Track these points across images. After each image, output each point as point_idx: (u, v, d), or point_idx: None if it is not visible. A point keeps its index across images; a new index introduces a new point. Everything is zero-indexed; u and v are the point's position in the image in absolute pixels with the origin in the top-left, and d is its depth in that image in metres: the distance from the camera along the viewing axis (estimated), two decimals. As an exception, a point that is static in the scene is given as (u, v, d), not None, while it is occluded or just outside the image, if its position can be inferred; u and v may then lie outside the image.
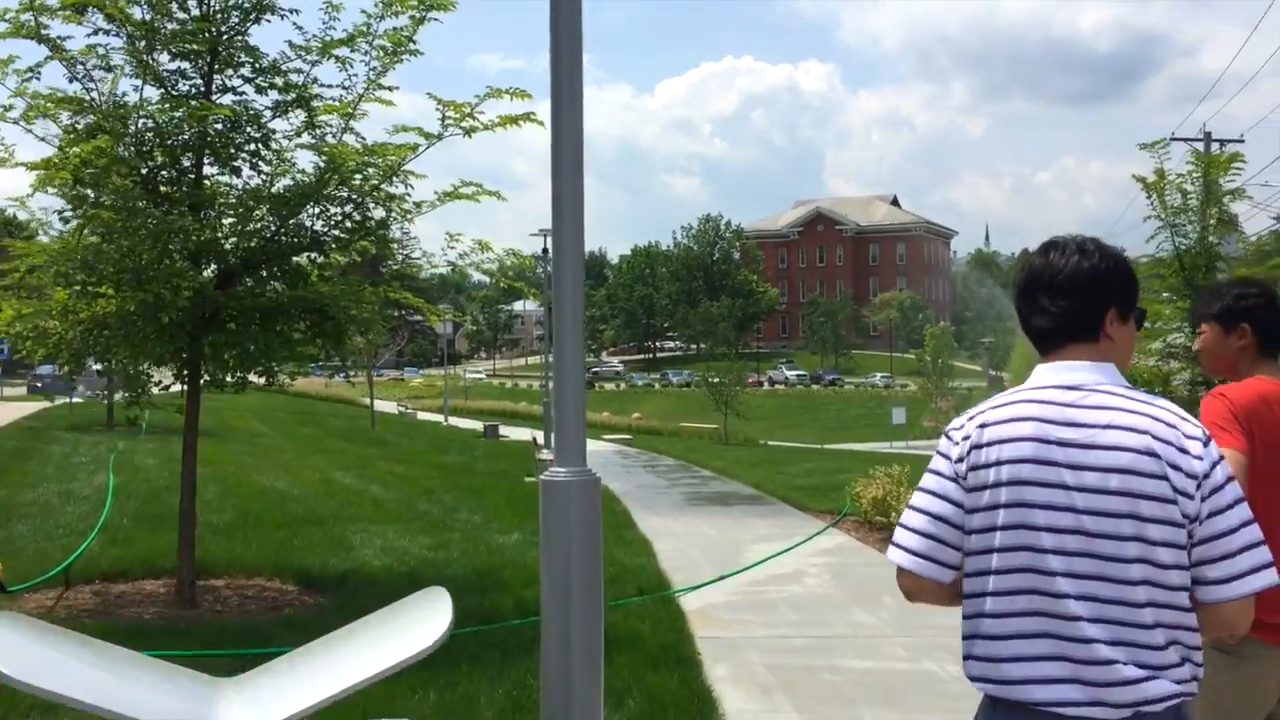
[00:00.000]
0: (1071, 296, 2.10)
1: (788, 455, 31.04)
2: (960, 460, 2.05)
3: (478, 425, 42.59)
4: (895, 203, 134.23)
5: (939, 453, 2.10)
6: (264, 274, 7.67)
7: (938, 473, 2.09)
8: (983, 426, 2.05)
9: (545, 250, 27.53)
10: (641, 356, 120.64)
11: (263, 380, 7.76)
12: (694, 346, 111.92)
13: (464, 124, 7.38)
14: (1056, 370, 2.08)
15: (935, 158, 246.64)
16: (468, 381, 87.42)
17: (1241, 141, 32.71)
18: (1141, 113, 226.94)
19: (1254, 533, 1.97)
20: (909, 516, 2.11)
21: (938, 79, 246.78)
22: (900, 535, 2.11)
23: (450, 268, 8.56)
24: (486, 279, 9.29)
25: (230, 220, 7.57)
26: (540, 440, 23.19)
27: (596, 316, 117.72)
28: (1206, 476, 1.94)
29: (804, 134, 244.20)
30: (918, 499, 2.11)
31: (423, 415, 55.34)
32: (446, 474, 18.88)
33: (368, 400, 40.63)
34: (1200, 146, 39.55)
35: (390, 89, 7.58)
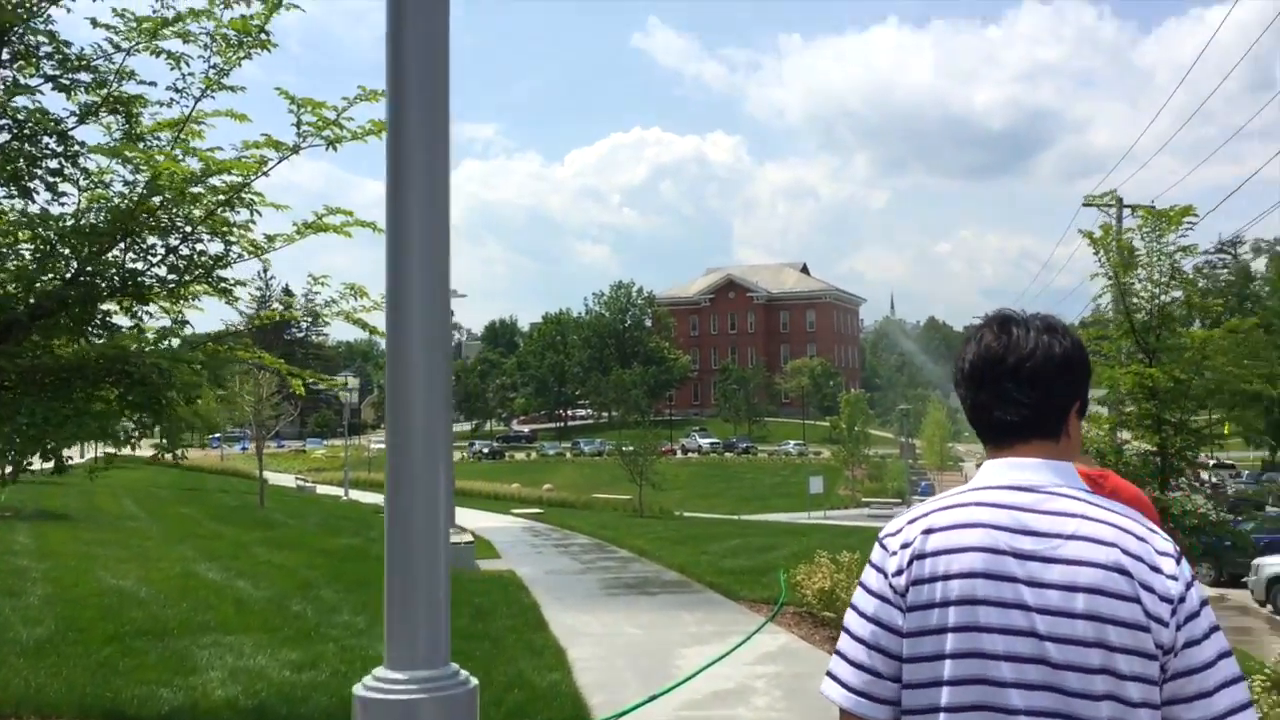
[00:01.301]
0: (1043, 387, 1.79)
1: (707, 529, 29.46)
2: (899, 573, 1.73)
3: (380, 499, 40.41)
4: (805, 270, 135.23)
5: (872, 564, 1.79)
6: (60, 325, 5.88)
7: (872, 591, 1.77)
8: (927, 533, 1.74)
9: (449, 313, 25.71)
10: (553, 425, 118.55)
11: (51, 465, 5.89)
12: (606, 414, 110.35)
13: (327, 133, 5.77)
14: (1009, 468, 1.77)
15: (839, 228, 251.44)
16: (373, 452, 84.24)
17: (1153, 206, 32.47)
18: (1034, 186, 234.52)
19: (1232, 667, 1.68)
20: (845, 644, 1.79)
21: (840, 152, 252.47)
22: (836, 666, 1.79)
23: (312, 319, 6.87)
24: (364, 332, 7.66)
25: (16, 262, 5.81)
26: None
27: (507, 385, 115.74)
28: (1182, 601, 1.66)
29: (712, 204, 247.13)
30: (851, 621, 1.79)
31: (323, 489, 52.67)
32: (333, 561, 16.83)
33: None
34: (1113, 211, 39.82)
35: (235, 90, 5.95)
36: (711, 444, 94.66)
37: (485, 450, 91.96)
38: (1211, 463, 50.98)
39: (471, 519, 29.64)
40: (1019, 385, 1.79)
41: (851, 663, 1.77)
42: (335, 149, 5.81)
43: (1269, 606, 23.86)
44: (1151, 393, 13.70)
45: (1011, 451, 1.80)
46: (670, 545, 20.62)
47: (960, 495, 1.79)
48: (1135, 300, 14.25)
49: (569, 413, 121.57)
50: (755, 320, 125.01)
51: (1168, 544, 1.71)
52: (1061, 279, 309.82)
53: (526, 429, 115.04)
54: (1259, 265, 70.19)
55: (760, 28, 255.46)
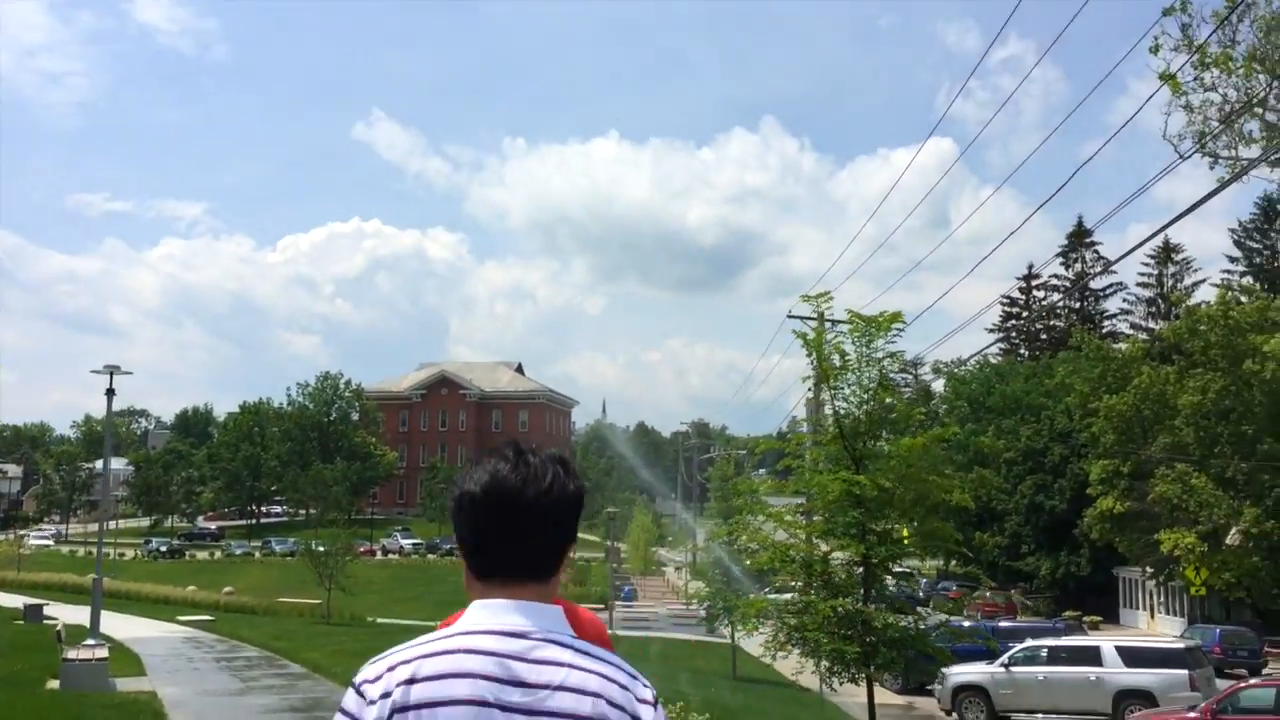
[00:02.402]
0: (553, 525, 1.76)
1: (399, 639, 27.30)
2: None
3: (26, 602, 35.57)
4: (520, 370, 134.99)
5: (345, 713, 1.66)
6: None
7: None
8: (409, 683, 1.62)
9: (110, 390, 22.55)
10: (244, 522, 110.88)
11: None
12: (303, 512, 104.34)
13: None
14: (501, 611, 1.71)
15: (556, 331, 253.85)
16: (29, 548, 75.35)
17: (851, 323, 33.84)
18: (740, 302, 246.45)
19: None
20: None
21: (560, 256, 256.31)
22: None
23: None
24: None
25: None
26: (62, 632, 17.57)
27: (194, 478, 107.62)
28: None
29: (430, 300, 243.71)
30: None
31: (-43, 590, 46.04)
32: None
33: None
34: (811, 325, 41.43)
35: None
36: (414, 545, 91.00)
37: (163, 548, 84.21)
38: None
39: (125, 627, 26.15)
40: (532, 520, 1.74)
41: None
42: None
43: (955, 715, 24.42)
44: (858, 500, 13.37)
45: (504, 591, 1.74)
46: (349, 659, 18.46)
47: (446, 640, 1.69)
48: (844, 405, 14.04)
49: (263, 509, 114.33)
50: (467, 418, 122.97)
51: (648, 690, 1.71)
52: (762, 391, 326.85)
53: (214, 526, 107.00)
54: (937, 386, 75.75)
55: (485, 128, 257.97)
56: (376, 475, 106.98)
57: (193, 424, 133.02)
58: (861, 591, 13.41)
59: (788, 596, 20.54)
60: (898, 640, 13.09)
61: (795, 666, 16.27)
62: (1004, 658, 23.16)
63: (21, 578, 52.88)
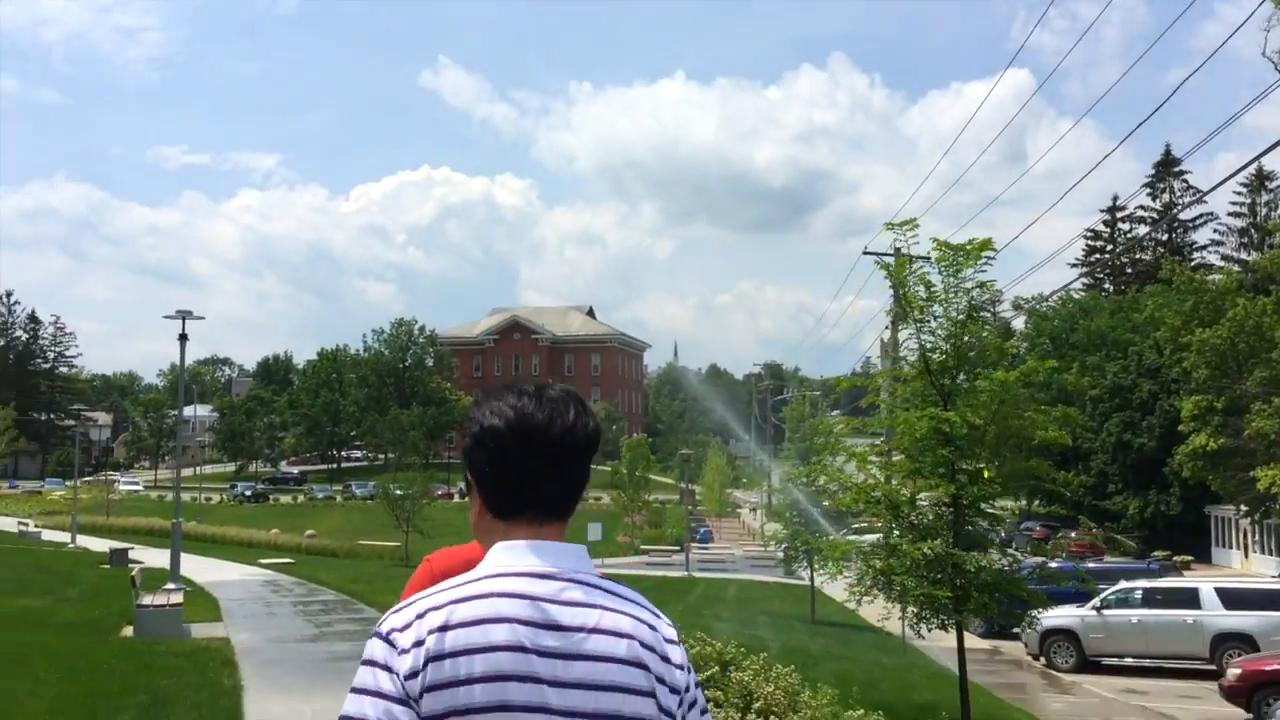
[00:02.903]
0: (580, 463, 1.73)
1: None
2: (413, 676, 1.52)
3: (112, 545, 36.32)
4: (591, 314, 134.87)
5: (376, 664, 1.55)
6: None
7: (379, 693, 1.53)
8: (443, 630, 1.55)
9: (183, 336, 22.48)
10: (325, 466, 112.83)
11: None
12: (382, 456, 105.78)
13: None
14: (529, 552, 1.64)
15: (626, 275, 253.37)
16: (120, 494, 77.40)
17: (928, 259, 32.76)
18: (810, 242, 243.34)
19: None
20: None
21: (628, 200, 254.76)
22: None
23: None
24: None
25: None
26: (137, 578, 17.48)
27: (276, 424, 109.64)
28: (688, 690, 1.66)
29: (500, 246, 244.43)
30: None
31: (50, 535, 47.21)
32: (5, 631, 13.69)
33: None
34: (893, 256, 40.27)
35: None
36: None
37: (247, 493, 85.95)
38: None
39: (208, 570, 26.44)
40: (559, 456, 1.69)
41: None
42: None
43: (1042, 660, 23.69)
44: (946, 438, 12.63)
45: (528, 532, 1.67)
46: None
47: (477, 584, 1.61)
48: (929, 339, 13.23)
49: (343, 454, 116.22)
50: (539, 362, 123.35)
51: (673, 630, 1.69)
52: (834, 333, 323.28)
53: (296, 470, 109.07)
54: (1018, 324, 73.86)
55: (550, 73, 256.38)
56: (452, 420, 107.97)
57: (274, 371, 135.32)
58: (951, 533, 12.69)
59: (869, 539, 19.93)
60: (991, 584, 12.38)
61: (881, 612, 15.65)
62: (1095, 600, 22.37)
63: (110, 522, 54.22)
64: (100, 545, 39.86)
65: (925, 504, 13.18)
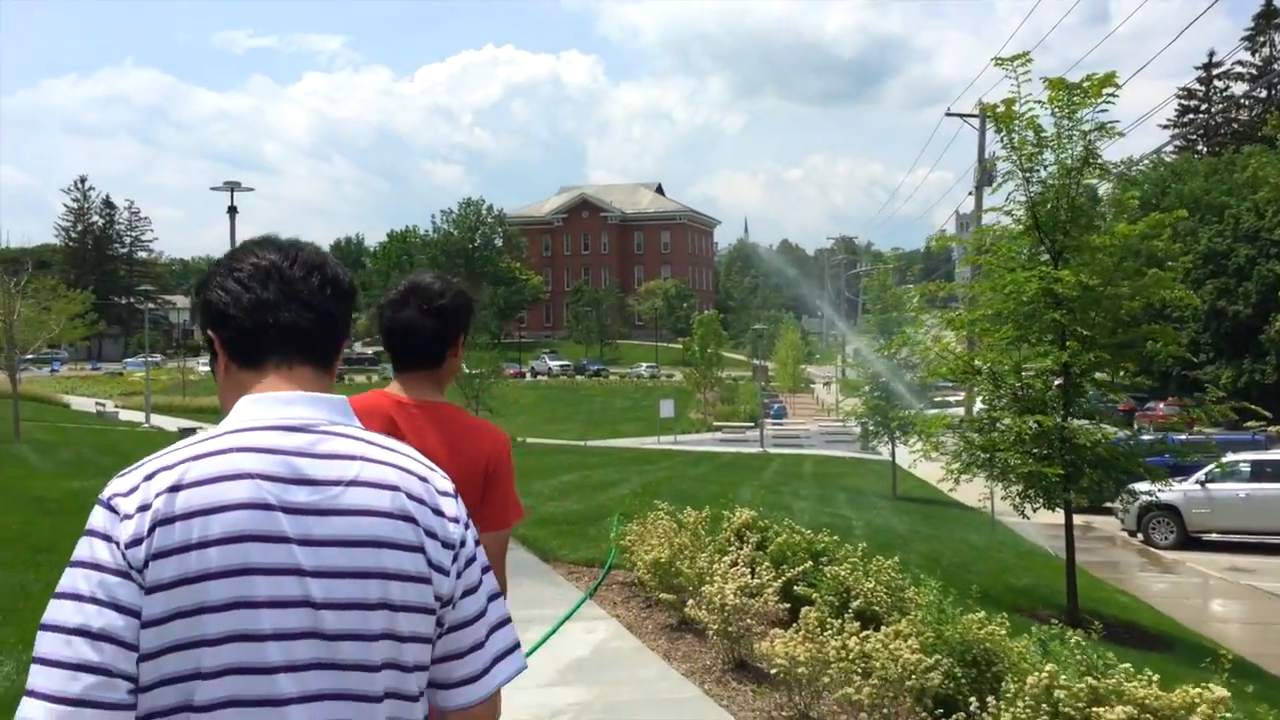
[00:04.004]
0: (336, 300, 1.62)
1: (543, 460, 26.66)
2: (137, 543, 1.36)
3: (188, 424, 36.66)
4: (660, 191, 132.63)
5: (96, 533, 1.38)
6: None
7: (98, 565, 1.36)
8: (174, 490, 1.38)
9: (232, 208, 21.71)
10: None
11: None
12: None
13: None
14: (278, 403, 1.50)
15: (694, 151, 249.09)
16: (199, 375, 78.63)
17: (1000, 131, 30.72)
18: (883, 114, 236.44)
19: (502, 608, 1.59)
20: (52, 643, 1.33)
21: (696, 74, 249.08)
22: (41, 677, 1.32)
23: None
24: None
25: None
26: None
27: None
28: (462, 545, 1.54)
29: (566, 125, 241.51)
30: (61, 612, 1.34)
31: (128, 414, 47.88)
32: (46, 516, 13.06)
33: (64, 398, 33.58)
34: (975, 123, 38.02)
35: None
36: (562, 366, 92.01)
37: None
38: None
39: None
40: (308, 289, 1.57)
41: (67, 665, 1.32)
42: None
43: (1140, 536, 22.52)
44: (1058, 301, 11.31)
45: (283, 381, 1.53)
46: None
47: (215, 440, 1.45)
48: (1038, 190, 11.79)
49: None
50: (609, 241, 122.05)
51: (447, 482, 1.58)
52: (908, 206, 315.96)
53: (370, 351, 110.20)
54: (1103, 190, 70.62)
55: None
56: (523, 299, 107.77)
57: (346, 254, 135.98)
58: (1061, 405, 11.46)
59: (955, 413, 18.71)
60: (1106, 459, 11.18)
61: (979, 491, 14.54)
62: (1199, 474, 21.15)
63: (186, 402, 54.92)
64: (173, 424, 40.24)
65: (1031, 374, 11.92)
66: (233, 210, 21.35)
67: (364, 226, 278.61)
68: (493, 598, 1.57)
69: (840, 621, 5.58)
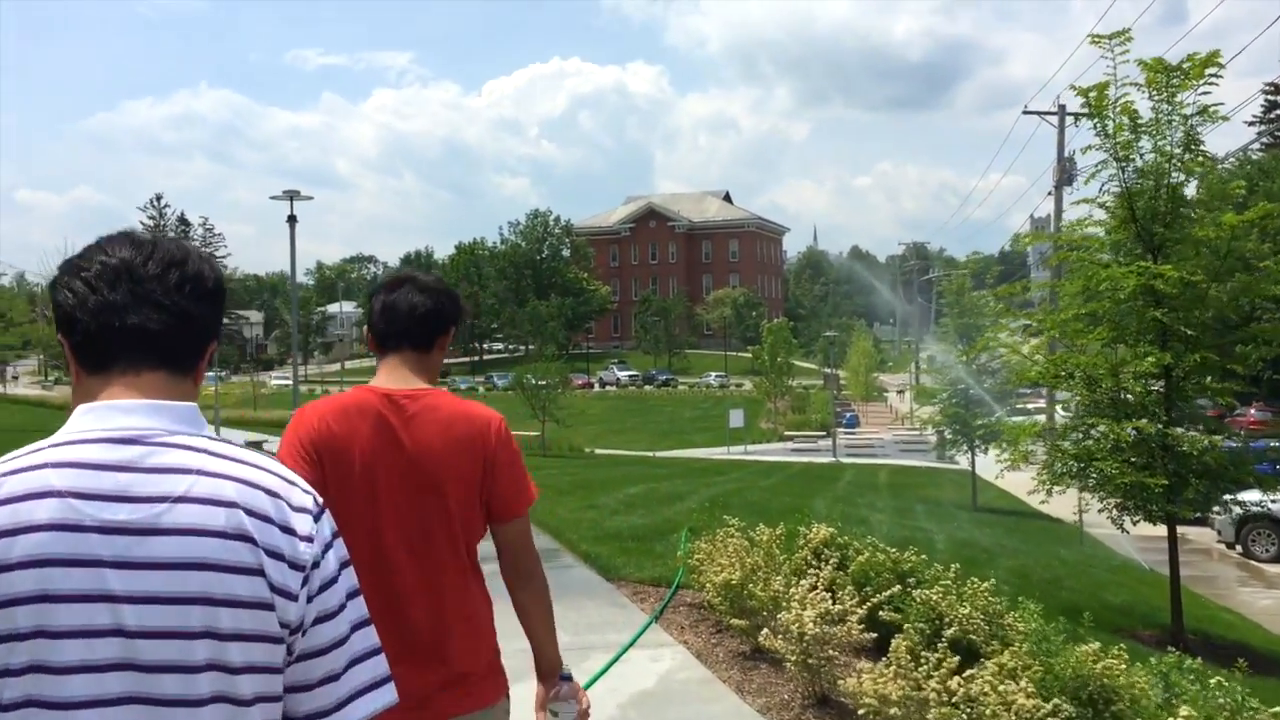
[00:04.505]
0: (194, 300, 1.48)
1: (610, 472, 26.14)
2: None
3: (255, 438, 36.91)
4: (728, 199, 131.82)
5: None
6: None
7: None
8: None
9: (292, 217, 21.50)
10: (466, 359, 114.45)
11: None
12: (522, 347, 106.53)
13: None
14: (111, 412, 1.39)
15: (761, 160, 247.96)
16: (271, 389, 79.56)
17: (1093, 117, 29.61)
18: (953, 118, 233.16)
19: (369, 637, 1.46)
20: None
21: (761, 83, 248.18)
22: None
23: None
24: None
25: None
26: None
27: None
28: (316, 566, 1.41)
29: (633, 135, 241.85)
30: None
31: (202, 429, 48.48)
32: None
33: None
34: (1054, 120, 36.82)
35: None
36: (630, 376, 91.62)
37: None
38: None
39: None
40: (166, 289, 1.45)
41: None
42: None
43: (1238, 548, 21.34)
44: (1158, 299, 10.49)
45: (128, 385, 1.42)
46: (553, 496, 17.09)
47: (32, 455, 1.36)
48: (1135, 179, 10.98)
49: (484, 346, 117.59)
50: (677, 250, 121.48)
51: (307, 497, 1.44)
52: (980, 211, 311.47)
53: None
54: (1189, 190, 68.35)
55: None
56: (590, 310, 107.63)
57: (415, 267, 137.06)
58: (1163, 411, 10.61)
59: (1039, 419, 17.82)
60: (1214, 469, 10.32)
61: (1073, 503, 13.67)
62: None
63: (257, 416, 55.49)
64: (242, 437, 40.54)
65: (1130, 376, 11.09)
66: (292, 219, 21.23)
67: (433, 239, 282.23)
68: (358, 626, 1.44)
69: (936, 656, 4.92)
